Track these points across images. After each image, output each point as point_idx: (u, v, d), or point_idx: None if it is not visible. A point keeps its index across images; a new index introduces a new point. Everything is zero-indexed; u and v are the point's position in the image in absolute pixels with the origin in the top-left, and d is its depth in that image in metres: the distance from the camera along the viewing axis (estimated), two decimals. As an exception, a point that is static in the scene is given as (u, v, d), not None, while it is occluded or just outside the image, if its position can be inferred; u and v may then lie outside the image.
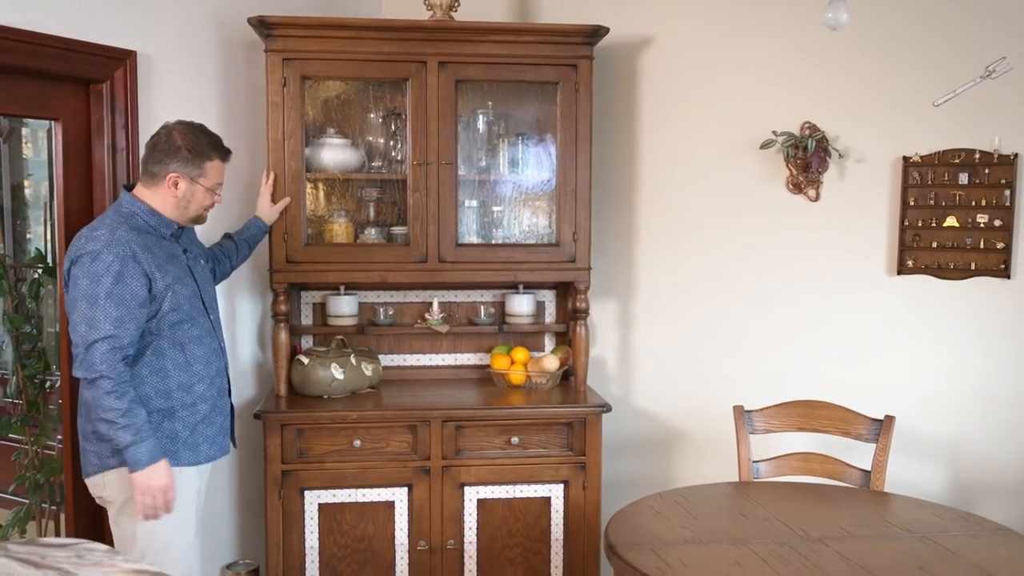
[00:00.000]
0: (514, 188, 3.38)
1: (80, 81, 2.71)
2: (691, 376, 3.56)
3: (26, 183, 3.29)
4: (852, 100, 3.33)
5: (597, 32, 3.09)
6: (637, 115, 3.53)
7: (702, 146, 3.48)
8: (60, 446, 2.91)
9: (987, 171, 3.22)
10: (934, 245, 3.29)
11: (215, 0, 3.10)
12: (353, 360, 3.19)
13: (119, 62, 2.75)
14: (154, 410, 2.40)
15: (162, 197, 2.45)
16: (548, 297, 3.56)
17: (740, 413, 2.98)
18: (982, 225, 3.23)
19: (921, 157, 3.27)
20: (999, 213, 3.21)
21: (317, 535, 3.01)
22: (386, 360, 3.49)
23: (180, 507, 2.43)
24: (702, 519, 2.44)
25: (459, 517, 3.05)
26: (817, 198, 3.39)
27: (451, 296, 3.53)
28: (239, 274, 3.17)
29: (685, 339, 3.56)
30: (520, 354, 3.39)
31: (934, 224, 3.28)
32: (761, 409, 3.02)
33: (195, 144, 2.46)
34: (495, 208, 3.38)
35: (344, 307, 3.36)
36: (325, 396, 3.14)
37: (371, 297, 3.50)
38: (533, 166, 3.35)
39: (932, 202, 3.27)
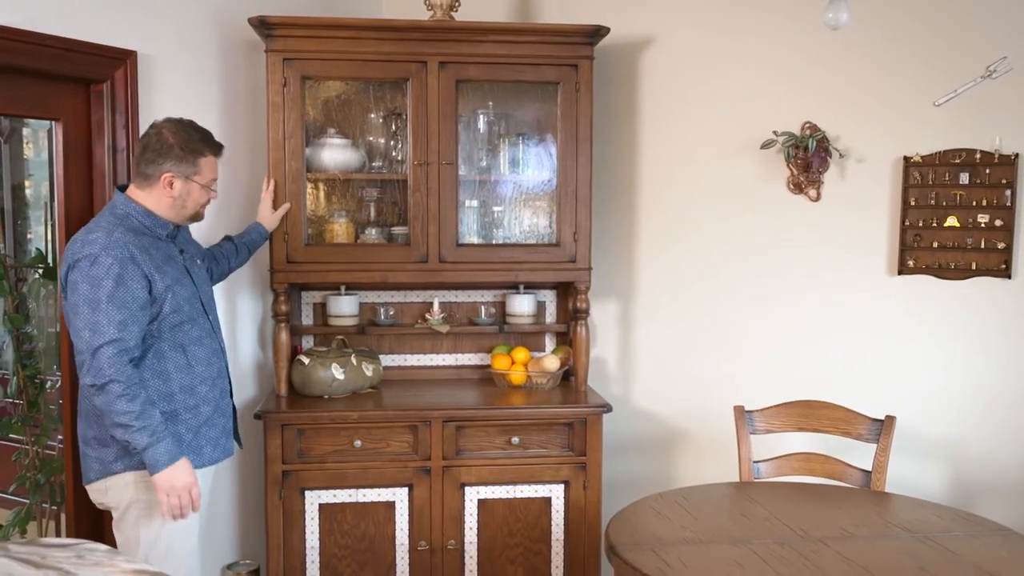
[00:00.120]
0: (514, 188, 3.37)
1: (80, 81, 2.71)
2: (691, 376, 3.56)
3: (27, 183, 3.30)
4: (853, 100, 3.33)
5: (597, 32, 3.09)
6: (637, 115, 3.53)
7: (702, 146, 3.48)
8: (60, 446, 2.91)
9: (988, 171, 3.22)
10: (935, 245, 3.29)
11: (215, 0, 3.10)
12: (354, 360, 3.19)
13: (119, 62, 2.74)
14: None
15: (157, 198, 2.41)
16: (549, 297, 3.56)
17: (741, 413, 2.98)
18: (983, 225, 3.23)
19: (922, 157, 3.27)
20: (1000, 213, 3.21)
21: (318, 535, 3.01)
22: (387, 360, 3.49)
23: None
24: (702, 519, 2.44)
25: (460, 517, 3.05)
26: (818, 198, 3.39)
27: (452, 296, 3.53)
28: (239, 274, 3.17)
29: (685, 339, 3.56)
30: (521, 354, 3.39)
31: (935, 224, 3.28)
32: (762, 409, 3.02)
33: (187, 141, 2.41)
34: (495, 208, 3.38)
35: (345, 307, 3.36)
36: (326, 396, 3.14)
37: (372, 297, 3.50)
38: (533, 166, 3.34)
39: (933, 202, 3.27)
